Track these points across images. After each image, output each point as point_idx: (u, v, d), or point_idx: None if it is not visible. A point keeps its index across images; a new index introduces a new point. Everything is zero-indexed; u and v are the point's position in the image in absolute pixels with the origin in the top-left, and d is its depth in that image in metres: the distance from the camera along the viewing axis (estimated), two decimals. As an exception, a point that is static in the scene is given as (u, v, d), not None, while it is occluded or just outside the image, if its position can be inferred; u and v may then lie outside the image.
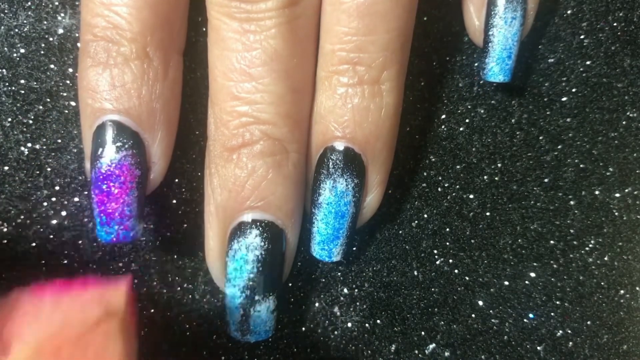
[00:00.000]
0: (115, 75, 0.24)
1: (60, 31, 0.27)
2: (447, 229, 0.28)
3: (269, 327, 0.25)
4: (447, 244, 0.28)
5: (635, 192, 0.29)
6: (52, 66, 0.27)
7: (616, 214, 0.29)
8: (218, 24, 0.24)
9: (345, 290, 0.28)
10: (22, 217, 0.27)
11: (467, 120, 0.28)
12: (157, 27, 0.24)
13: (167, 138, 0.25)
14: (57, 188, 0.27)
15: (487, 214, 0.28)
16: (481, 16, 0.27)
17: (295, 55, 0.24)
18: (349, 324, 0.28)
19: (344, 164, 0.25)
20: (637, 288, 0.29)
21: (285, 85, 0.24)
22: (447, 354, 0.28)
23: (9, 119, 0.27)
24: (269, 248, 0.24)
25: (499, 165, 0.28)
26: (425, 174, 0.28)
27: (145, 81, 0.24)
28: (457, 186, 0.28)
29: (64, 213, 0.27)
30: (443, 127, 0.28)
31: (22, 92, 0.27)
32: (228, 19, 0.24)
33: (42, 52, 0.27)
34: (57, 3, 0.27)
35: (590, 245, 0.29)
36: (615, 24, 0.28)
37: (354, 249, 0.28)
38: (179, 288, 0.28)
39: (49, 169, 0.27)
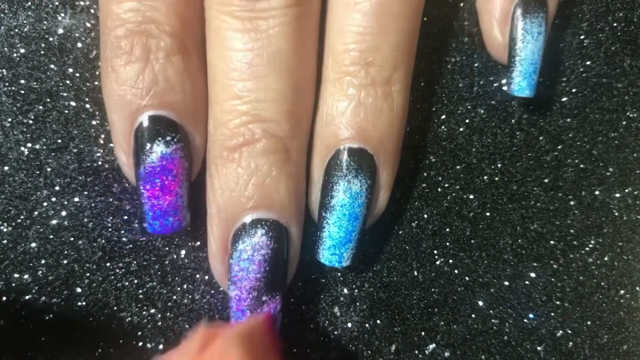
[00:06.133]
0: (158, 71, 0.24)
1: (60, 31, 0.27)
2: (447, 229, 0.28)
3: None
4: (447, 244, 0.28)
5: (635, 192, 0.29)
6: (52, 66, 0.27)
7: (616, 214, 0.29)
8: (218, 24, 0.24)
9: (345, 290, 0.28)
10: (22, 217, 0.27)
11: (467, 121, 0.28)
12: (193, 21, 0.24)
13: (206, 128, 0.25)
14: (57, 188, 0.27)
15: (487, 214, 0.28)
16: (505, 31, 0.26)
17: (297, 54, 0.24)
18: (349, 324, 0.28)
19: (358, 165, 0.25)
20: (637, 288, 0.29)
21: (288, 83, 0.24)
22: (447, 354, 0.28)
23: (9, 119, 0.27)
24: (275, 247, 0.24)
25: (499, 165, 0.28)
26: (425, 174, 0.28)
27: (187, 75, 0.24)
28: (457, 186, 0.28)
29: (64, 213, 0.27)
30: (443, 127, 0.28)
31: (22, 92, 0.27)
32: (230, 17, 0.24)
33: (42, 52, 0.27)
34: (57, 3, 0.27)
35: (590, 245, 0.29)
36: (615, 24, 0.28)
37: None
38: (178, 288, 0.28)
39: (49, 169, 0.27)
